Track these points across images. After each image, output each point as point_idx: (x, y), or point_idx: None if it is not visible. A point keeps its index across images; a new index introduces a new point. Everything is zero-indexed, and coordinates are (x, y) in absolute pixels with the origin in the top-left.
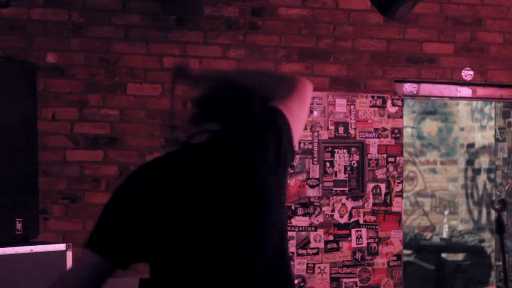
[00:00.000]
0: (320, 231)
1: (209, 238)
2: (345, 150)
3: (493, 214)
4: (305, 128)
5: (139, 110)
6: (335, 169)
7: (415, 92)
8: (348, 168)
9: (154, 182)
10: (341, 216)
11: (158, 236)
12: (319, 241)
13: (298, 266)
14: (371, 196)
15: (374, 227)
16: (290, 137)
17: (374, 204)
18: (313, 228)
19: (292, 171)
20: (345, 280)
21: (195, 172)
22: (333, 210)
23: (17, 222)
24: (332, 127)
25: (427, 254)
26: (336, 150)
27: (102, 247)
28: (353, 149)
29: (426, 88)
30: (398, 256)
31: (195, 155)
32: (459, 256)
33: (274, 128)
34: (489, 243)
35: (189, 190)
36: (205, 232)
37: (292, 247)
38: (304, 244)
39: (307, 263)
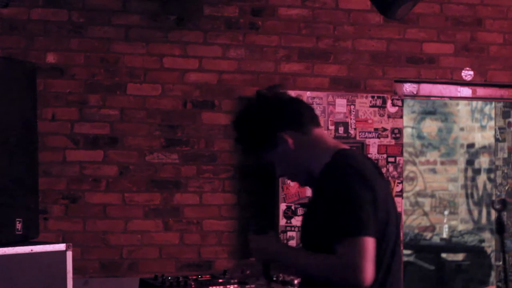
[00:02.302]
0: None
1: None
2: None
3: (493, 214)
4: None
5: (139, 110)
6: None
7: (415, 92)
8: None
9: (361, 172)
10: None
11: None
12: None
13: None
14: None
15: None
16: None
17: None
18: None
19: None
20: None
21: (371, 169)
22: None
23: (17, 222)
24: (332, 127)
25: (427, 254)
26: None
27: (371, 230)
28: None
29: (426, 88)
30: None
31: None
32: (459, 256)
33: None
34: (489, 243)
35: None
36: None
37: None
38: None
39: None
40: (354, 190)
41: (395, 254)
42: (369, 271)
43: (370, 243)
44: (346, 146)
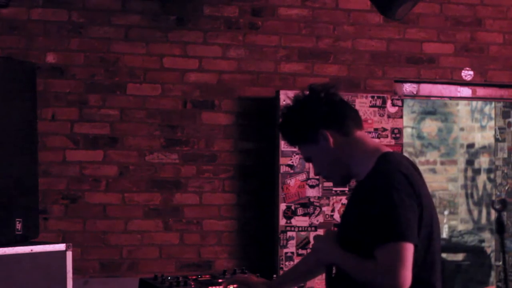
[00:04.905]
0: (320, 231)
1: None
2: None
3: (493, 214)
4: None
5: (139, 110)
6: None
7: (415, 92)
8: None
9: (409, 179)
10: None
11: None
12: None
13: None
14: None
15: None
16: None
17: None
18: (313, 228)
19: (292, 171)
20: None
21: (414, 173)
22: (333, 210)
23: (17, 222)
24: None
25: None
26: None
27: (413, 237)
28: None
29: (426, 88)
30: None
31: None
32: (459, 256)
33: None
34: (489, 243)
35: (419, 187)
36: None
37: (292, 247)
38: (304, 244)
39: None
40: (397, 196)
41: (439, 252)
42: (406, 277)
43: (408, 250)
44: (388, 149)
